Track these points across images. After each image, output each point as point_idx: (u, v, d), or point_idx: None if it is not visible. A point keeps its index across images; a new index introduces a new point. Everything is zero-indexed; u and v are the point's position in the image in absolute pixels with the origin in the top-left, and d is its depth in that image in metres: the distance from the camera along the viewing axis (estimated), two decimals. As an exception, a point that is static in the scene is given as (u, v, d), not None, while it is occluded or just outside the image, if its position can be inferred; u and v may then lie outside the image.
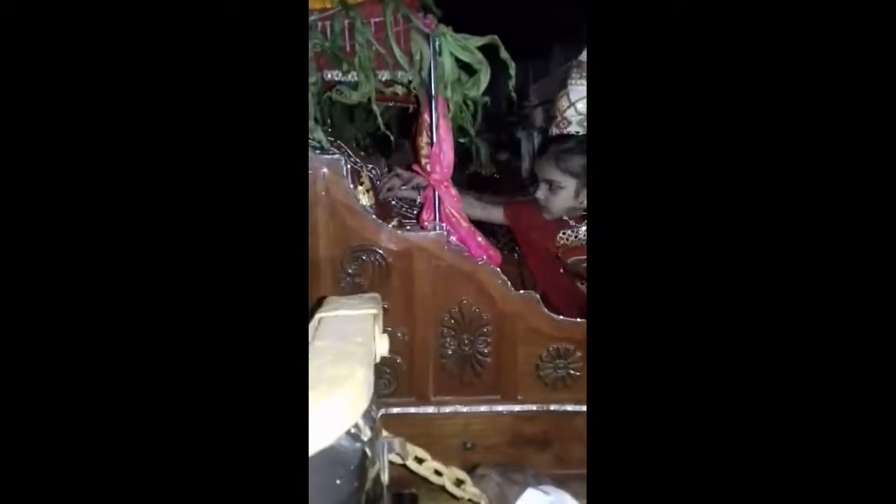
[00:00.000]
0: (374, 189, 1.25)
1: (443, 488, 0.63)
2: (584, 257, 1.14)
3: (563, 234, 1.18)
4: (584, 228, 1.15)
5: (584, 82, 1.09)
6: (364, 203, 1.13)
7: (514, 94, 0.84)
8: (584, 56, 1.11)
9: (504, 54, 0.82)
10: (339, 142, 1.25)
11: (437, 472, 0.62)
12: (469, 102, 0.95)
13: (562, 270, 1.20)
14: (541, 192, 1.15)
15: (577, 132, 1.11)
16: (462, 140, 1.02)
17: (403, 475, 0.64)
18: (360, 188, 1.11)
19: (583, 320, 0.91)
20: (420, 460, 0.61)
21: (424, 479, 0.63)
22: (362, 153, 1.36)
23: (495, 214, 1.27)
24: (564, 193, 1.11)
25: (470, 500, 0.63)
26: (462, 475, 0.64)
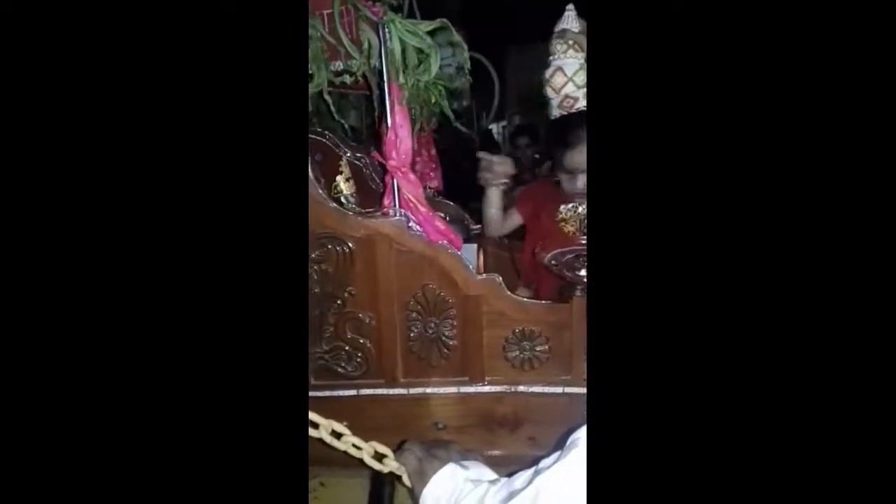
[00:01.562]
0: (362, 177, 1.27)
1: (361, 461, 0.65)
2: (565, 250, 1.09)
3: (564, 207, 1.13)
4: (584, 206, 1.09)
5: (575, 53, 1.03)
6: (344, 191, 1.15)
7: (469, 78, 0.84)
8: (565, 24, 1.05)
9: (455, 37, 0.82)
10: (325, 131, 1.29)
11: (357, 447, 0.64)
12: (441, 88, 0.95)
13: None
14: (568, 182, 1.09)
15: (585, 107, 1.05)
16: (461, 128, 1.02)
17: (319, 450, 0.67)
18: (339, 177, 1.14)
19: (547, 302, 0.90)
20: (338, 434, 0.64)
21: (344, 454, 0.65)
22: (353, 143, 1.39)
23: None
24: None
25: (391, 472, 0.65)
26: (383, 449, 0.66)
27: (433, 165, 1.41)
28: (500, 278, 0.88)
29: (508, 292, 0.88)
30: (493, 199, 1.21)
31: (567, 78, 1.03)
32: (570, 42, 1.03)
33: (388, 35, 0.81)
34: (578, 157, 1.04)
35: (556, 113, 1.08)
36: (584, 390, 0.92)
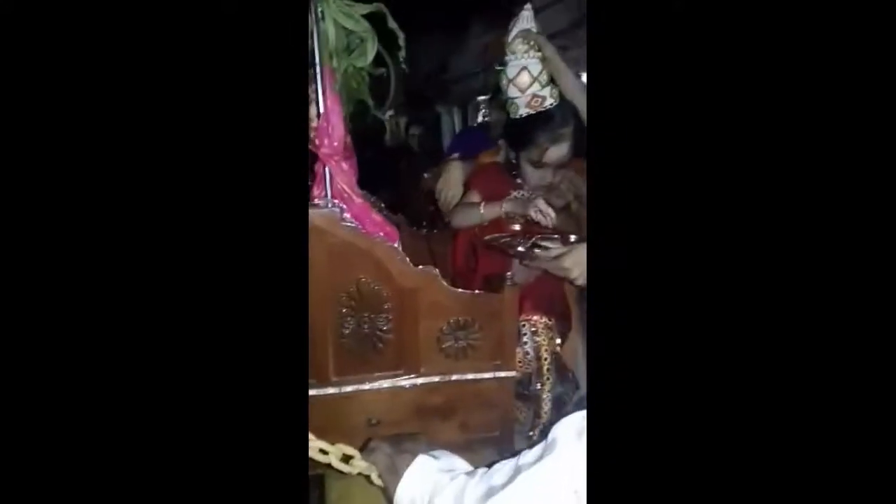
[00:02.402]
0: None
1: (329, 466, 0.63)
2: (505, 233, 1.12)
3: (515, 194, 1.16)
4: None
5: (533, 52, 1.08)
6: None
7: (405, 66, 0.82)
8: (525, 24, 1.08)
9: (392, 24, 0.80)
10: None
11: (323, 451, 0.61)
12: (364, 73, 0.92)
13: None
14: (534, 175, 1.13)
15: (552, 104, 1.10)
16: (375, 114, 0.99)
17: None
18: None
19: (480, 292, 0.93)
20: None
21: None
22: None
23: None
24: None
25: (360, 474, 0.63)
26: (350, 451, 0.64)
27: (348, 154, 1.35)
28: (437, 270, 0.89)
29: (445, 283, 0.88)
30: (456, 177, 1.24)
31: (533, 78, 1.08)
32: (532, 42, 1.08)
33: (321, 15, 0.76)
34: (555, 152, 1.09)
35: (522, 112, 1.11)
36: (513, 373, 0.98)
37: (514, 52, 1.08)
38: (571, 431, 0.49)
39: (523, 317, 1.14)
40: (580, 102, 1.10)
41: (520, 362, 1.16)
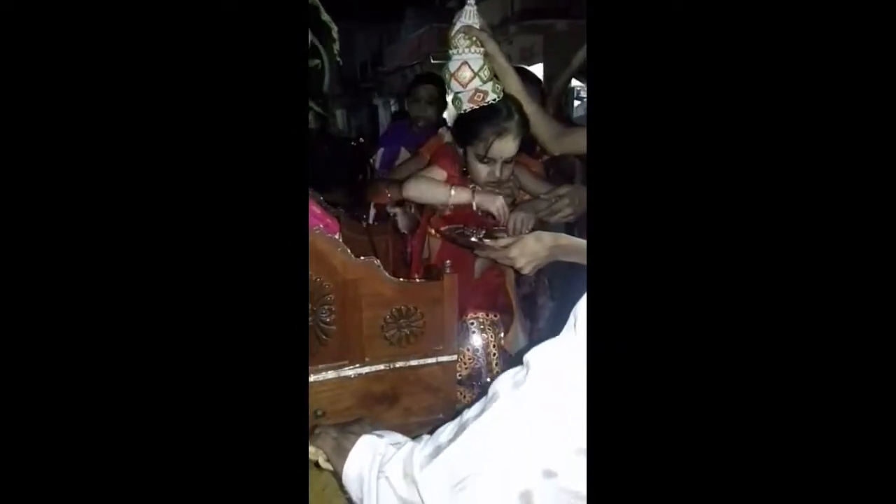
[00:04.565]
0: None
1: None
2: (459, 226, 1.14)
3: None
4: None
5: (475, 48, 1.09)
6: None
7: (339, 60, 0.83)
8: (467, 19, 1.09)
9: (325, 16, 0.80)
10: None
11: None
12: (299, 65, 0.91)
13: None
14: (485, 170, 1.14)
15: (495, 99, 1.11)
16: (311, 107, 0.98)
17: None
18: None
19: (421, 281, 0.96)
20: None
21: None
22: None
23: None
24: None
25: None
26: None
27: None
28: (378, 261, 0.90)
29: (386, 274, 0.91)
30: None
31: (474, 73, 1.09)
32: (473, 38, 1.09)
33: (252, 4, 0.75)
34: (499, 147, 1.11)
35: (466, 107, 1.12)
36: (454, 357, 1.02)
37: (455, 47, 1.10)
38: (508, 384, 0.51)
39: (470, 315, 1.19)
40: (523, 97, 1.14)
41: (469, 359, 1.21)
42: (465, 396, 1.19)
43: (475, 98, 1.11)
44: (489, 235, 1.07)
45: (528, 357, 0.51)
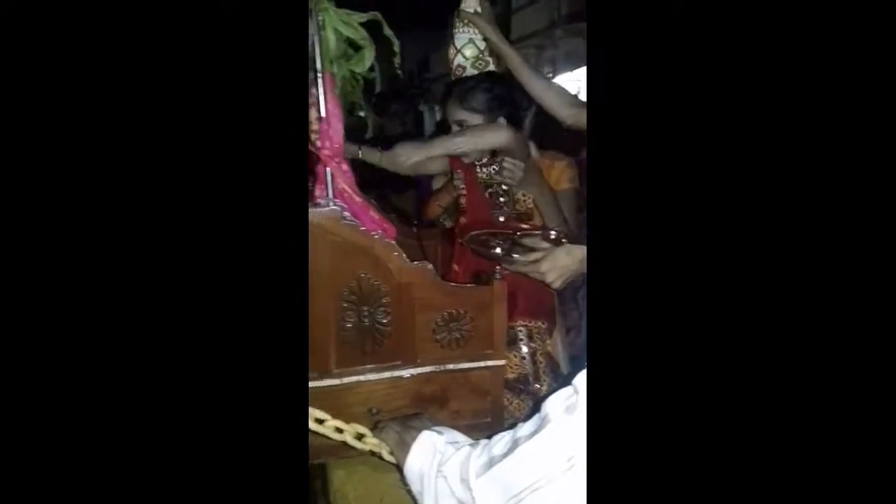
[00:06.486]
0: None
1: (344, 443, 0.67)
2: (480, 232, 1.17)
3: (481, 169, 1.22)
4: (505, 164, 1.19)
5: (467, 29, 1.18)
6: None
7: (399, 72, 0.87)
8: (464, 6, 1.17)
9: (387, 31, 0.84)
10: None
11: (338, 430, 0.66)
12: (359, 77, 0.96)
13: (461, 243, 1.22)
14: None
15: (472, 73, 1.19)
16: (360, 114, 1.03)
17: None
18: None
19: (471, 286, 0.98)
20: (320, 421, 0.65)
21: (326, 439, 0.66)
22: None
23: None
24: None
25: (371, 451, 0.68)
26: (362, 429, 0.69)
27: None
28: (431, 265, 0.93)
29: (439, 278, 0.93)
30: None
31: (457, 50, 1.19)
32: (465, 21, 1.18)
33: (321, 24, 0.80)
34: (448, 109, 1.18)
35: (449, 80, 1.22)
36: (503, 362, 1.04)
37: (453, 28, 1.20)
38: (560, 407, 0.54)
39: (519, 321, 1.20)
40: (523, 71, 1.18)
41: (516, 365, 1.22)
42: (511, 402, 1.20)
43: (456, 72, 1.21)
44: (516, 244, 1.08)
45: (576, 382, 0.53)
